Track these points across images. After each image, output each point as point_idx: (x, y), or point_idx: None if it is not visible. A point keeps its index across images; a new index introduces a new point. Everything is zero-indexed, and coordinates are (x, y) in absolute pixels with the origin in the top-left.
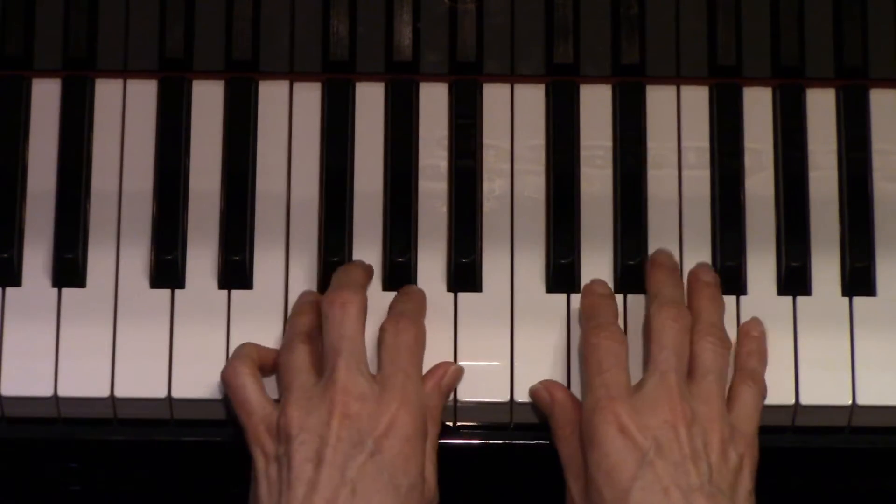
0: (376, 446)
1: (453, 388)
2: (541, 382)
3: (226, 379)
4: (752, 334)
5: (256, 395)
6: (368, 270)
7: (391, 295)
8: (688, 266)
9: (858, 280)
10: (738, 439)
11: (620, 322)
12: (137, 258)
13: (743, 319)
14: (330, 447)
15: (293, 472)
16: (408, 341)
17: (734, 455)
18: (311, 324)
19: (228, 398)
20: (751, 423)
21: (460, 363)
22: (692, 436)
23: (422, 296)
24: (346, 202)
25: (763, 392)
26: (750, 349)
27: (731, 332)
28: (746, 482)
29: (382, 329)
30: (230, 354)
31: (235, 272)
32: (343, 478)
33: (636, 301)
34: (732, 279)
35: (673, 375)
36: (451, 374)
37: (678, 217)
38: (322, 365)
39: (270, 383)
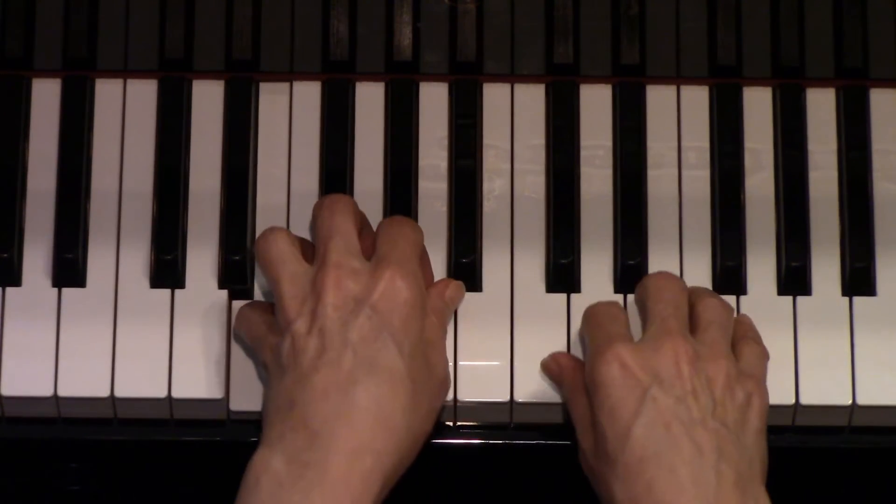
0: (373, 309)
1: (457, 304)
2: (549, 355)
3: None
4: (744, 322)
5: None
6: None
7: None
8: (688, 266)
9: (858, 280)
10: (744, 379)
11: None
12: (137, 258)
13: None
14: (328, 318)
15: (296, 348)
16: (407, 233)
17: (741, 392)
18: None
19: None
20: (757, 370)
21: (460, 363)
22: (696, 371)
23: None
24: None
25: (766, 354)
26: (744, 330)
27: None
28: (755, 421)
29: (380, 224)
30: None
31: (235, 272)
32: (344, 340)
33: None
34: (732, 279)
35: (673, 321)
36: (454, 287)
37: (678, 217)
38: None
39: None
